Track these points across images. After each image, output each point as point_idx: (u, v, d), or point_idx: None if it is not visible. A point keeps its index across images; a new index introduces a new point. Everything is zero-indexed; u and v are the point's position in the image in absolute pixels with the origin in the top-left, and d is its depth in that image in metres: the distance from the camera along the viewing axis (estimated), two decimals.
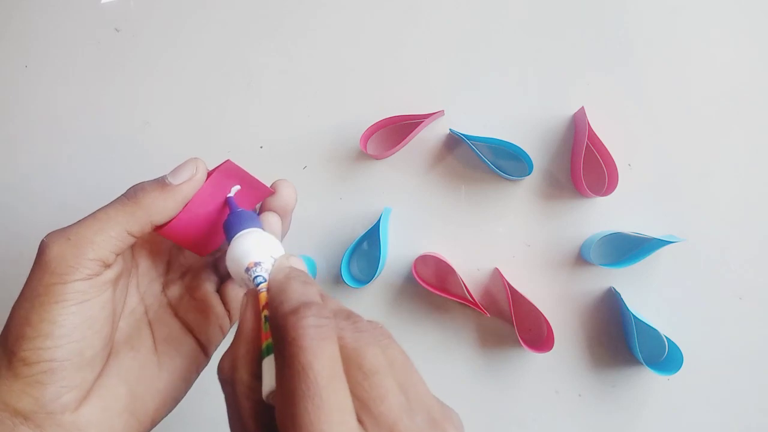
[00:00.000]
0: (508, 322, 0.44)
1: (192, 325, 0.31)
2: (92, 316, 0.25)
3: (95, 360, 0.26)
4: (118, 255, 0.27)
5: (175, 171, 0.28)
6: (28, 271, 0.26)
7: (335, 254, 0.46)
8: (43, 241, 0.25)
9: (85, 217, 0.26)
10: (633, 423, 0.44)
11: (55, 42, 0.49)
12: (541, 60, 0.46)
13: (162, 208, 0.27)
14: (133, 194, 0.26)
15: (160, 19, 0.49)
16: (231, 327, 0.33)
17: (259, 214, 0.32)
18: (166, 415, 0.29)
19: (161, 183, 0.27)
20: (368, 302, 0.46)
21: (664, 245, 0.42)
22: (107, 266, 0.26)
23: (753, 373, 0.43)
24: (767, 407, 0.43)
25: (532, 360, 0.44)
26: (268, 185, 0.33)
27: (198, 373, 0.31)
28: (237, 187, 0.30)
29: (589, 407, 0.44)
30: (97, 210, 0.26)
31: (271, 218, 0.31)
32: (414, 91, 0.47)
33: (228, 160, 0.30)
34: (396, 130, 0.47)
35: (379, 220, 0.43)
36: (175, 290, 0.32)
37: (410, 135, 0.44)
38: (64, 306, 0.24)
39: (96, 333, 0.26)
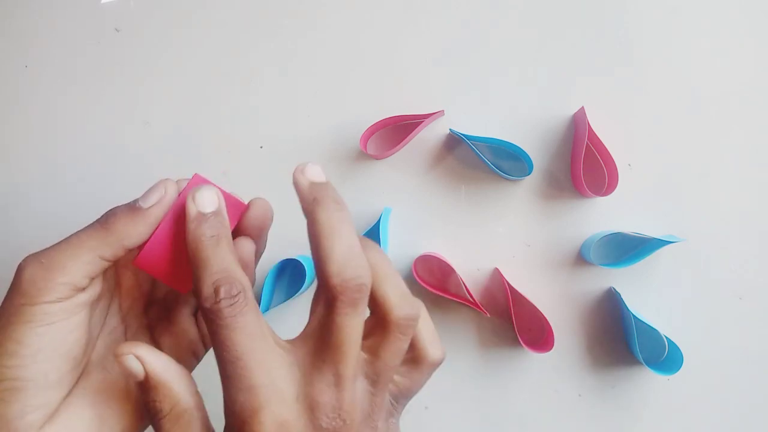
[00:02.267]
0: (508, 322, 0.44)
1: (165, 349, 0.31)
2: (59, 338, 0.26)
3: (62, 381, 0.26)
4: (92, 278, 0.27)
5: (146, 194, 0.28)
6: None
7: None
8: (20, 263, 0.26)
9: (60, 241, 0.26)
10: (633, 423, 0.44)
11: (55, 42, 0.49)
12: (541, 60, 0.46)
13: (133, 232, 0.27)
14: (104, 220, 0.27)
15: (160, 19, 0.49)
16: (205, 353, 0.32)
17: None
18: None
19: (131, 207, 0.27)
20: None
21: (664, 245, 0.42)
22: (80, 290, 0.26)
23: (753, 373, 0.43)
24: (767, 407, 0.43)
25: (532, 360, 0.44)
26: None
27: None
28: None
29: (589, 407, 0.44)
30: (72, 234, 0.27)
31: (244, 244, 0.30)
32: (414, 91, 0.47)
33: (195, 175, 0.29)
34: (396, 130, 0.47)
35: (379, 220, 0.43)
36: (155, 312, 0.32)
37: (410, 135, 0.44)
38: (30, 327, 0.25)
39: (62, 356, 0.26)
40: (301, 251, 0.46)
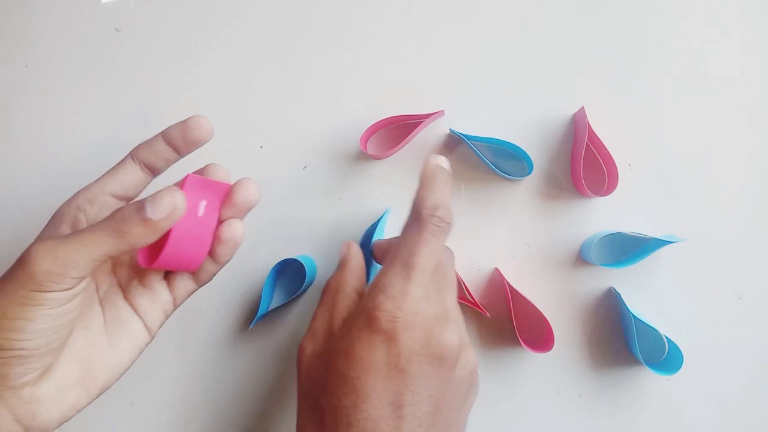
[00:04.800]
0: (508, 322, 0.45)
1: (138, 309, 0.34)
2: (64, 314, 0.29)
3: (59, 347, 0.30)
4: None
5: (155, 203, 0.29)
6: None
7: (335, 254, 0.46)
8: (30, 251, 0.28)
9: (72, 236, 0.29)
10: (633, 423, 0.44)
11: (55, 42, 0.50)
12: (541, 60, 0.46)
13: (143, 241, 0.29)
14: (116, 225, 0.29)
15: (160, 19, 0.49)
16: (173, 311, 0.36)
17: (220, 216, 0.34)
18: (113, 384, 0.33)
19: (144, 219, 0.29)
20: None
21: (664, 245, 0.42)
22: (84, 278, 0.29)
23: (753, 373, 0.43)
24: (767, 407, 0.43)
25: (532, 360, 0.44)
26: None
27: (142, 350, 0.34)
28: (204, 202, 0.33)
29: (589, 407, 0.44)
30: (85, 231, 0.29)
31: (236, 226, 0.34)
32: (414, 91, 0.47)
33: (188, 175, 0.32)
34: (396, 130, 0.47)
35: (378, 221, 0.43)
36: (123, 273, 0.35)
37: (410, 135, 0.44)
38: (41, 309, 0.28)
39: (63, 327, 0.29)
40: (301, 251, 0.46)
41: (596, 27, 0.46)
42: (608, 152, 0.42)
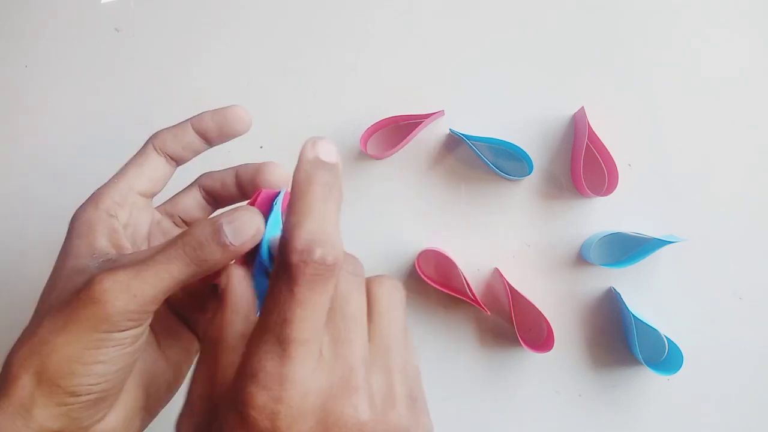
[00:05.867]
0: (508, 322, 0.45)
1: (187, 317, 0.31)
2: (138, 348, 0.26)
3: (128, 379, 0.27)
4: None
5: (235, 225, 0.25)
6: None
7: None
8: (101, 287, 0.24)
9: (145, 267, 0.25)
10: (633, 423, 0.44)
11: (55, 42, 0.49)
12: (540, 60, 0.46)
13: (220, 265, 0.26)
14: (192, 251, 0.25)
15: (160, 19, 0.49)
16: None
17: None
18: (170, 400, 0.30)
19: (222, 244, 0.25)
20: None
21: (664, 245, 0.42)
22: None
23: (753, 373, 0.43)
24: (767, 407, 0.43)
25: (532, 360, 0.44)
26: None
27: (194, 358, 0.31)
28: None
29: (589, 407, 0.44)
30: (157, 258, 0.25)
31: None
32: (414, 91, 0.47)
33: (261, 191, 0.29)
34: (396, 130, 0.47)
35: (270, 211, 0.28)
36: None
37: (410, 135, 0.44)
38: (119, 350, 0.25)
39: (134, 360, 0.27)
40: None
41: (596, 27, 0.46)
42: (608, 152, 0.43)
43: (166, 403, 0.30)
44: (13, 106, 0.49)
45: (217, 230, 0.25)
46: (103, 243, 0.28)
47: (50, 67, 0.49)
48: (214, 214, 0.33)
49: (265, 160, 0.47)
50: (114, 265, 0.26)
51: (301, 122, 0.47)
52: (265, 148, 0.47)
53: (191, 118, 0.31)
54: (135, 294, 0.24)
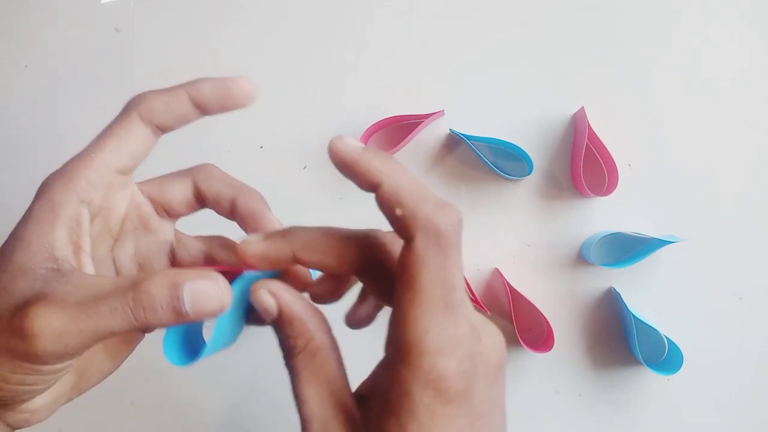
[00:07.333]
0: (508, 322, 0.44)
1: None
2: (70, 369, 0.25)
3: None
4: None
5: (196, 297, 0.23)
6: None
7: None
8: (33, 327, 0.22)
9: (83, 312, 0.23)
10: (633, 423, 0.44)
11: (55, 42, 0.49)
12: (540, 60, 0.46)
13: (164, 327, 0.24)
14: (139, 311, 0.23)
15: (160, 19, 0.49)
16: None
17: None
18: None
19: (177, 312, 0.23)
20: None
21: (664, 245, 0.42)
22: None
23: (753, 373, 0.43)
24: (767, 407, 0.43)
25: (532, 360, 0.44)
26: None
27: (134, 347, 0.29)
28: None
29: (589, 407, 0.44)
30: (99, 305, 0.23)
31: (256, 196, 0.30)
32: (414, 91, 0.47)
33: (245, 272, 0.26)
34: (396, 130, 0.47)
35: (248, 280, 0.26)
36: None
37: (410, 135, 0.44)
38: (46, 376, 0.24)
39: (67, 373, 0.26)
40: None
41: (596, 27, 0.46)
42: (608, 152, 0.42)
43: (99, 383, 0.29)
44: (13, 106, 0.49)
45: (176, 296, 0.23)
46: (61, 236, 0.26)
47: (50, 67, 0.49)
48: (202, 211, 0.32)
49: (265, 159, 0.47)
50: (55, 292, 0.24)
51: (301, 122, 0.47)
52: (265, 148, 0.47)
53: (186, 85, 0.28)
54: (67, 344, 0.23)
